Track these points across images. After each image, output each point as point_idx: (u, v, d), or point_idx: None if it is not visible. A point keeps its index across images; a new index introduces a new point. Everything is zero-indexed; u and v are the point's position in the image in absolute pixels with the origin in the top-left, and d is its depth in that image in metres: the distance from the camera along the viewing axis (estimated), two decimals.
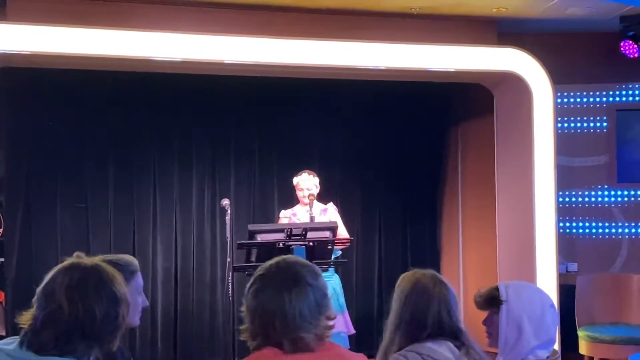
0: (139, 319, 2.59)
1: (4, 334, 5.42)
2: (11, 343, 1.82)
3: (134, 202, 6.20)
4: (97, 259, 1.92)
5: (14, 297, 5.74)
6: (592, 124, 6.13)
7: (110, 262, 2.07)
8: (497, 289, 2.65)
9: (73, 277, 1.80)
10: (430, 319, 2.35)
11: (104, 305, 1.78)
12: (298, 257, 2.12)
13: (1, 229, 5.90)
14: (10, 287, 5.81)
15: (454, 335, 2.35)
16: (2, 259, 5.90)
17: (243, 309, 1.98)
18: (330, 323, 1.99)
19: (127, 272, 2.49)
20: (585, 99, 6.13)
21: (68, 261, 1.86)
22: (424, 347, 2.29)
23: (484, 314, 2.75)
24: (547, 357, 2.66)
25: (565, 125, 6.10)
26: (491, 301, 2.64)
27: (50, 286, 1.80)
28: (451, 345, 2.32)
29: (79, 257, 1.89)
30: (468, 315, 6.33)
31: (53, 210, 6.02)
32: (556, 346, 5.07)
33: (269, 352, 1.90)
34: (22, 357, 1.77)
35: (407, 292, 2.40)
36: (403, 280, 2.45)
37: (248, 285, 1.99)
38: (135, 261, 2.59)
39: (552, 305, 2.69)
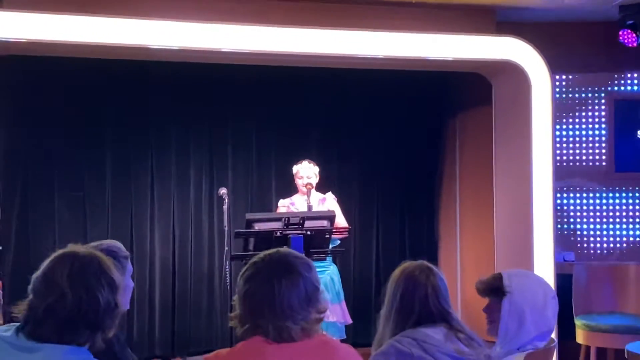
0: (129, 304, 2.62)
1: (1, 322, 5.42)
2: (7, 330, 1.83)
3: (131, 190, 6.19)
4: (89, 247, 1.93)
5: (11, 285, 5.74)
6: (590, 113, 6.12)
7: (102, 249, 2.08)
8: (500, 278, 2.67)
9: (73, 265, 1.81)
10: (417, 304, 2.38)
11: (105, 292, 1.80)
12: (293, 250, 2.13)
13: None
14: (8, 276, 5.80)
15: (444, 318, 2.37)
16: (0, 247, 5.90)
17: (235, 297, 2.00)
18: (320, 317, 2.00)
19: (121, 258, 2.52)
20: (583, 88, 6.12)
21: (63, 250, 1.86)
22: (418, 333, 2.32)
23: (482, 303, 2.75)
24: (544, 346, 2.68)
25: (564, 114, 6.09)
26: (495, 291, 2.66)
27: (50, 275, 1.81)
28: (446, 330, 2.34)
29: (72, 247, 1.89)
30: (465, 304, 6.35)
31: (50, 199, 6.01)
32: (553, 335, 5.07)
33: (255, 342, 1.92)
34: (22, 345, 1.77)
35: (396, 282, 2.45)
36: (394, 273, 2.50)
37: (241, 272, 2.01)
38: (122, 246, 2.62)
39: (554, 296, 2.71)
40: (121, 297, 1.87)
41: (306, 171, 5.37)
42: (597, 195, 6.09)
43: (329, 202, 5.42)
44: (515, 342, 2.64)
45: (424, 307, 2.38)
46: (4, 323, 5.40)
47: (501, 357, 2.52)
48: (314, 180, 5.37)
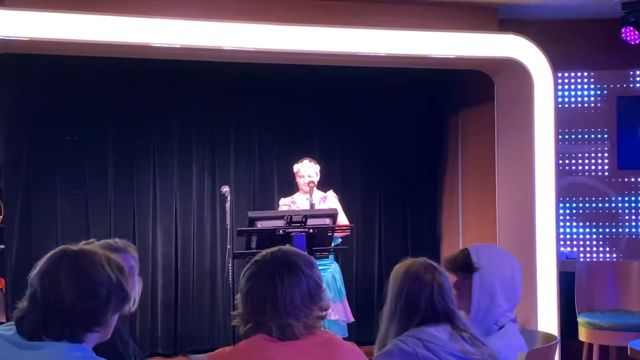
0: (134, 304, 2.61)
1: (4, 320, 5.43)
2: (10, 329, 1.84)
3: (133, 189, 6.20)
4: (92, 245, 1.94)
5: (13, 284, 5.75)
6: (592, 111, 6.11)
7: (104, 246, 2.08)
8: (469, 254, 2.67)
9: (49, 262, 1.82)
10: (424, 303, 2.35)
11: (74, 288, 1.78)
12: (295, 248, 2.13)
13: (1, 216, 5.90)
14: (10, 274, 5.82)
15: (448, 318, 2.35)
16: (2, 246, 5.91)
17: (237, 295, 2.00)
18: (323, 314, 2.00)
19: (123, 253, 2.51)
20: (586, 86, 6.11)
21: (58, 248, 1.87)
22: (423, 332, 2.29)
23: None
24: (515, 318, 2.69)
25: (566, 112, 6.08)
26: (463, 267, 2.65)
27: (33, 273, 1.83)
28: (450, 329, 2.32)
29: (68, 245, 1.90)
30: None
31: (53, 197, 6.02)
32: (555, 332, 5.07)
33: (258, 340, 1.92)
34: (24, 343, 1.78)
35: (400, 280, 2.41)
36: (396, 271, 2.45)
37: (243, 270, 2.01)
38: (119, 243, 2.61)
39: (520, 268, 2.72)
40: (116, 295, 1.85)
41: (307, 170, 5.37)
42: (601, 191, 6.07)
43: (330, 200, 5.42)
44: (489, 317, 2.64)
45: (430, 306, 2.35)
46: (7, 320, 5.42)
47: (481, 336, 2.49)
48: (315, 178, 5.37)
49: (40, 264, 1.84)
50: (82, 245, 1.91)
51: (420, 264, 2.43)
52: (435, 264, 2.45)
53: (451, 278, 2.62)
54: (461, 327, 2.35)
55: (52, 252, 1.86)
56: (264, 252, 2.04)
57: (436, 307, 2.35)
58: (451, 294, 2.41)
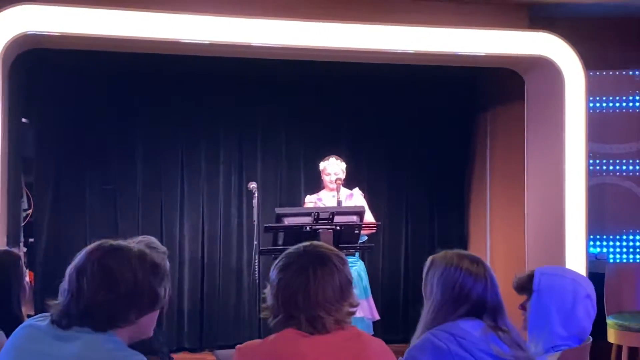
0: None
1: (32, 313, 5.49)
2: (43, 320, 1.86)
3: (161, 184, 6.23)
4: (132, 242, 1.95)
5: (43, 277, 5.82)
6: (624, 110, 6.03)
7: (145, 244, 2.10)
8: (532, 276, 2.64)
9: (83, 255, 1.86)
10: (475, 296, 2.27)
11: (95, 279, 1.80)
12: (326, 243, 2.13)
13: (31, 210, 5.97)
14: (40, 268, 5.88)
15: (495, 312, 2.29)
16: (32, 240, 5.98)
17: (266, 289, 1.99)
18: (352, 310, 1.99)
19: (161, 254, 2.53)
20: (617, 84, 6.03)
21: (97, 242, 1.89)
22: (456, 328, 2.23)
23: (512, 299, 2.72)
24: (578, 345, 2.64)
25: (597, 111, 6.01)
26: (523, 288, 2.64)
27: (69, 266, 1.87)
28: (485, 326, 2.26)
29: (108, 240, 1.91)
30: None
31: (82, 192, 6.08)
32: None
33: (288, 333, 1.91)
34: (58, 334, 1.81)
35: (450, 273, 2.31)
36: (441, 262, 2.35)
37: (275, 263, 2.01)
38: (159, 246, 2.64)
39: (589, 295, 2.63)
40: (140, 294, 1.86)
41: (333, 167, 5.35)
42: (633, 192, 5.99)
43: (356, 198, 5.40)
44: (545, 340, 2.59)
45: (481, 300, 2.28)
46: (35, 314, 5.48)
47: (538, 355, 2.46)
48: (341, 175, 5.35)
49: (77, 256, 1.87)
50: (121, 241, 1.92)
51: (467, 257, 2.36)
52: (480, 258, 2.41)
53: (515, 298, 2.64)
54: (502, 325, 2.28)
55: (90, 245, 1.89)
56: (296, 246, 2.04)
57: (487, 300, 2.28)
58: (499, 289, 2.35)
